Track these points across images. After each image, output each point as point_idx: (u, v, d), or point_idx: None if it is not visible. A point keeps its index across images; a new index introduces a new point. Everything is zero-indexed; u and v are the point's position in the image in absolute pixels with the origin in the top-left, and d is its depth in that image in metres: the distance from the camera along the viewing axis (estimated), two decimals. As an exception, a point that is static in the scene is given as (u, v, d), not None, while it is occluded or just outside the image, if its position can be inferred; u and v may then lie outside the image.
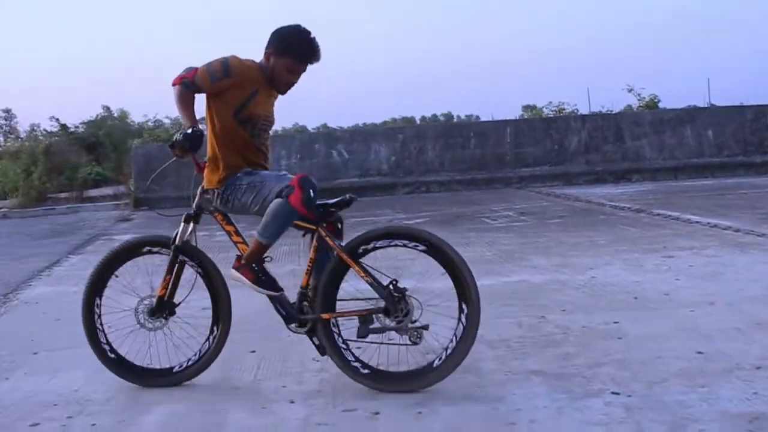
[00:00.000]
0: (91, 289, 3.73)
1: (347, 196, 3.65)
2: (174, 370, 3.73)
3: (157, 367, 3.75)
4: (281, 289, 3.62)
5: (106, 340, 3.76)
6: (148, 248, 3.77)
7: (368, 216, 11.09)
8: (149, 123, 19.63)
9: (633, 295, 5.11)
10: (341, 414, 3.22)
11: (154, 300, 3.70)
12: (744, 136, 15.33)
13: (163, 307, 3.70)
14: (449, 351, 3.48)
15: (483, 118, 23.22)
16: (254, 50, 3.75)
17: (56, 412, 3.44)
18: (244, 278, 3.58)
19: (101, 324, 3.75)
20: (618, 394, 3.27)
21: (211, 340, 3.73)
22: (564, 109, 18.63)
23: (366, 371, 3.53)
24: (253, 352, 4.17)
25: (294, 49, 3.61)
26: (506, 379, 3.57)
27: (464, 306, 3.52)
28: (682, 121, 15.37)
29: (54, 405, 3.54)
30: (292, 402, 3.39)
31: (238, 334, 4.18)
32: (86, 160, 20.59)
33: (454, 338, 3.50)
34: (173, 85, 3.58)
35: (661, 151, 15.27)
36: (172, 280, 3.70)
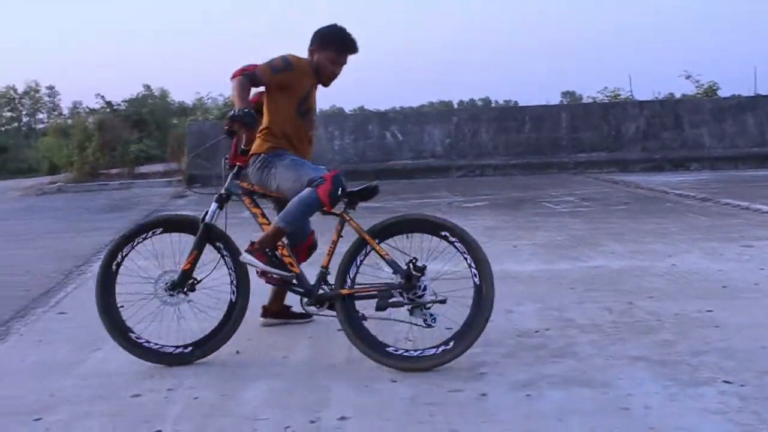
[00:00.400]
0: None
1: (373, 183, 3.80)
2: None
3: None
4: (293, 272, 3.73)
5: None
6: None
7: (425, 198, 11.04)
8: (200, 101, 19.53)
9: (721, 283, 4.98)
10: (448, 394, 3.17)
11: (176, 275, 3.77)
12: (809, 126, 14.93)
13: (186, 281, 3.77)
14: (479, 283, 3.56)
15: (521, 104, 23.00)
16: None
17: (154, 384, 3.46)
18: (257, 261, 3.70)
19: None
20: (730, 383, 3.18)
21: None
22: (619, 95, 18.28)
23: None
24: (340, 330, 4.12)
25: (334, 42, 3.98)
26: (607, 364, 3.49)
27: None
28: (743, 109, 15.01)
29: (151, 377, 3.56)
30: (394, 381, 3.35)
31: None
32: (137, 137, 20.71)
33: (470, 267, 3.60)
34: (233, 77, 3.78)
35: (721, 140, 14.94)
36: (197, 254, 3.78)
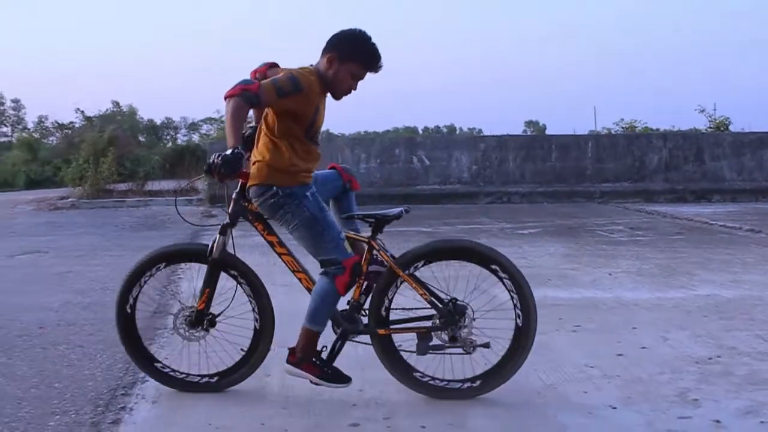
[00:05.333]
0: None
1: (399, 209, 3.55)
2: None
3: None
4: (350, 378, 3.44)
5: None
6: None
7: (470, 224, 11.05)
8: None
9: None
10: (681, 421, 3.16)
11: (194, 312, 3.56)
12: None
13: (203, 319, 3.56)
14: (521, 325, 3.43)
15: (485, 132, 23.41)
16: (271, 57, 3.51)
17: (362, 412, 3.32)
18: (309, 375, 3.39)
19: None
20: None
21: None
22: (635, 127, 18.58)
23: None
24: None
25: (360, 54, 3.37)
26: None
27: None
28: (763, 144, 15.30)
29: (353, 405, 3.42)
30: (614, 408, 3.33)
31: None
32: (148, 152, 20.53)
33: (514, 308, 3.43)
34: (229, 96, 3.16)
35: (740, 173, 15.21)
36: (209, 292, 3.53)
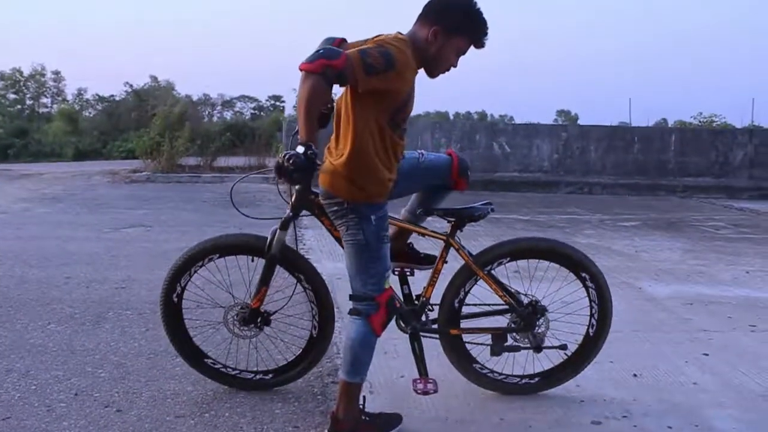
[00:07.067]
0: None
1: (488, 208, 3.30)
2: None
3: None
4: (400, 416, 3.15)
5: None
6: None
7: (565, 213, 10.95)
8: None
9: None
10: None
11: (247, 310, 3.34)
12: None
13: (257, 317, 3.35)
14: (593, 335, 3.44)
15: (517, 120, 23.04)
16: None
17: (601, 409, 3.33)
18: None
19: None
20: None
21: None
22: (714, 122, 18.30)
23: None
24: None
25: (471, 27, 2.84)
26: None
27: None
28: None
29: (580, 401, 3.44)
30: None
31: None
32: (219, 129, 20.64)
33: (591, 316, 3.42)
34: (309, 71, 2.51)
35: (828, 171, 14.91)
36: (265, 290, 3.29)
